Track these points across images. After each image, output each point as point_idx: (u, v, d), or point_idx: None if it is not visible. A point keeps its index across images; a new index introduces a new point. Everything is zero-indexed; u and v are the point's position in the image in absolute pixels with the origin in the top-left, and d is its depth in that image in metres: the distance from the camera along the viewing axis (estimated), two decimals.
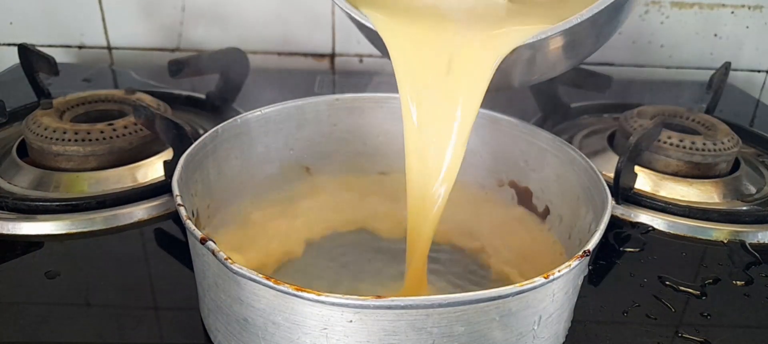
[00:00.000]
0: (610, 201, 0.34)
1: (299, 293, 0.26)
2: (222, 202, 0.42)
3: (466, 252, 0.44)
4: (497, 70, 0.35)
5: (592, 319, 0.37)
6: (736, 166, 0.55)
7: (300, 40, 0.81)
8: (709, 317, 0.38)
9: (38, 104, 0.56)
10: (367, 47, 0.81)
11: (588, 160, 0.39)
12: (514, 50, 0.35)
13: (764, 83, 0.85)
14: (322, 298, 0.26)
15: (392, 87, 0.78)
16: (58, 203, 0.44)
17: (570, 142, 0.44)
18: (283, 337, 0.29)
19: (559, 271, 0.28)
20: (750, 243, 0.45)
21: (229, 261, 0.27)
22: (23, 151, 0.51)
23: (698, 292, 0.40)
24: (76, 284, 0.38)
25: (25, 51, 0.61)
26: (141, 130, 0.50)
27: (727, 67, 0.65)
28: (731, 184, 0.53)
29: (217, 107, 0.62)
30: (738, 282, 0.42)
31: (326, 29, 0.80)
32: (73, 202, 0.44)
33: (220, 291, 0.30)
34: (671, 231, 0.47)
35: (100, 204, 0.44)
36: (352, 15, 0.38)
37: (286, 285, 0.26)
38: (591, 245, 0.30)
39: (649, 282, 0.41)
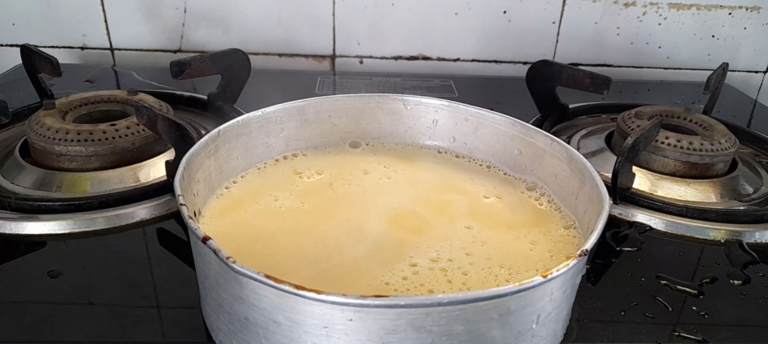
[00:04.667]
0: (608, 201, 0.35)
1: (300, 292, 0.26)
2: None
3: None
4: None
5: (591, 318, 0.38)
6: (733, 166, 0.56)
7: (301, 42, 0.81)
8: (706, 316, 0.38)
9: (41, 105, 0.56)
10: (367, 49, 0.82)
11: (586, 160, 0.39)
12: None
13: (761, 84, 0.86)
14: (322, 297, 0.26)
15: (392, 87, 0.79)
16: (60, 203, 0.44)
17: (568, 143, 0.44)
18: (284, 336, 0.29)
19: (557, 270, 0.29)
20: (747, 243, 0.46)
21: (231, 260, 0.28)
22: (26, 151, 0.52)
23: (696, 291, 0.41)
24: (79, 283, 0.39)
25: (28, 52, 0.61)
26: (143, 130, 0.51)
27: (724, 67, 0.65)
28: (728, 184, 0.53)
29: (219, 108, 0.62)
30: (735, 282, 0.42)
31: (327, 31, 0.80)
32: (76, 202, 0.44)
33: (221, 290, 0.31)
34: (669, 231, 0.47)
35: (102, 204, 0.45)
36: None
37: (287, 284, 0.27)
38: (589, 245, 0.31)
39: (647, 282, 0.41)
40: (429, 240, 0.39)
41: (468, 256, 0.37)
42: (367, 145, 0.51)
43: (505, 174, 0.47)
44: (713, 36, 0.82)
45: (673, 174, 0.53)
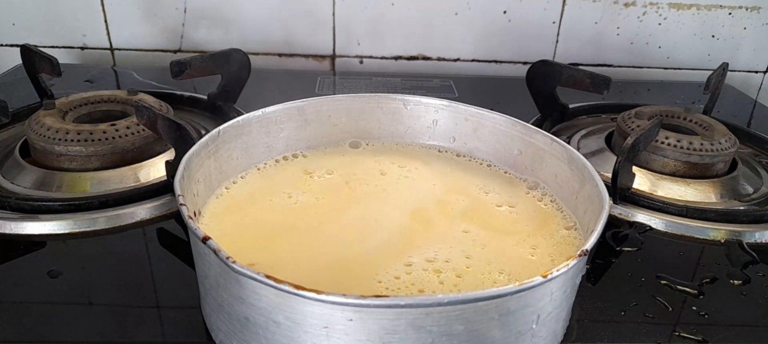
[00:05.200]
0: (608, 201, 0.35)
1: (300, 292, 0.27)
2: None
3: None
4: None
5: (591, 318, 0.38)
6: (733, 166, 0.56)
7: (301, 42, 0.81)
8: (706, 316, 0.38)
9: (41, 105, 0.56)
10: (367, 49, 0.82)
11: (586, 160, 0.39)
12: None
13: (761, 84, 0.86)
14: (322, 297, 0.26)
15: (392, 87, 0.80)
16: (60, 203, 0.44)
17: (568, 143, 0.44)
18: (283, 336, 0.29)
19: (557, 271, 0.29)
20: (747, 243, 0.46)
21: (231, 260, 0.28)
22: (26, 151, 0.52)
23: (696, 291, 0.41)
24: (79, 283, 0.39)
25: (28, 52, 0.61)
26: (143, 130, 0.51)
27: (724, 67, 0.65)
28: (728, 184, 0.53)
29: (219, 108, 0.62)
30: (735, 282, 0.42)
31: (327, 31, 0.80)
32: (76, 202, 0.44)
33: (221, 290, 0.31)
34: (669, 231, 0.47)
35: (102, 204, 0.45)
36: None
37: (286, 284, 0.27)
38: (589, 245, 0.31)
39: (647, 282, 0.41)
40: (428, 241, 0.38)
41: (468, 259, 0.37)
42: (367, 144, 0.51)
43: (505, 172, 0.47)
44: (713, 36, 0.82)
45: (673, 175, 0.53)
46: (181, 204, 0.33)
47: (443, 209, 0.43)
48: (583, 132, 0.63)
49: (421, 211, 0.42)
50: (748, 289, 0.41)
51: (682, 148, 0.53)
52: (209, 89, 0.63)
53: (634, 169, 0.49)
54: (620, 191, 0.48)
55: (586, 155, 0.41)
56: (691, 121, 0.59)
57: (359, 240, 0.39)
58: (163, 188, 0.47)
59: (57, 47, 0.79)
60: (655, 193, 0.52)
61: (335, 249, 0.38)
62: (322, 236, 0.39)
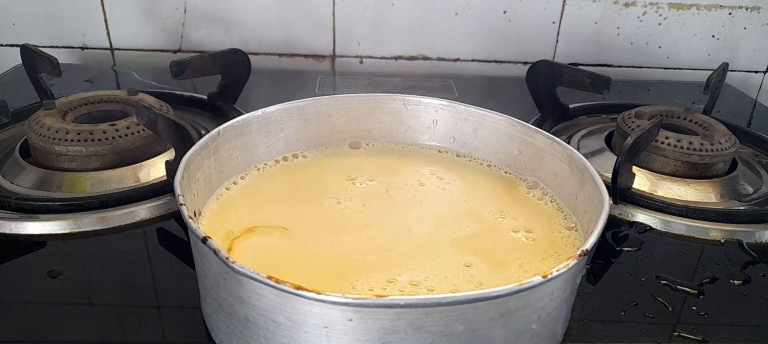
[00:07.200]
0: (608, 201, 0.35)
1: (300, 292, 0.27)
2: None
3: None
4: None
5: (591, 318, 0.38)
6: (733, 166, 0.56)
7: (301, 42, 0.81)
8: (706, 316, 0.38)
9: (41, 105, 0.56)
10: (367, 49, 0.82)
11: (586, 160, 0.39)
12: None
13: (761, 84, 0.86)
14: (322, 297, 0.26)
15: (392, 87, 0.80)
16: (60, 203, 0.44)
17: (568, 143, 0.44)
18: (284, 336, 0.29)
19: (557, 271, 0.29)
20: (747, 243, 0.46)
21: (231, 260, 0.28)
22: (26, 151, 0.52)
23: (696, 291, 0.41)
24: (79, 283, 0.39)
25: (28, 52, 0.61)
26: (143, 130, 0.51)
27: (724, 67, 0.65)
28: (728, 184, 0.53)
29: (219, 108, 0.62)
30: (735, 282, 0.42)
31: (327, 31, 0.80)
32: (76, 202, 0.44)
33: (221, 290, 0.31)
34: (669, 231, 0.47)
35: (102, 204, 0.45)
36: None
37: (287, 284, 0.27)
38: (589, 245, 0.31)
39: (647, 282, 0.41)
40: (424, 263, 0.37)
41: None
42: (367, 145, 0.51)
43: (505, 172, 0.47)
44: (713, 36, 0.82)
45: (673, 175, 0.53)
46: (181, 204, 0.33)
47: (453, 231, 0.40)
48: (583, 132, 0.63)
49: (428, 229, 0.41)
50: (748, 289, 0.41)
51: (682, 148, 0.53)
52: (209, 89, 0.63)
53: (634, 169, 0.49)
54: (620, 191, 0.48)
55: (586, 155, 0.41)
56: (691, 121, 0.59)
57: (353, 247, 0.38)
58: (163, 188, 0.47)
59: (57, 47, 0.79)
60: (655, 193, 0.52)
61: (328, 250, 0.38)
62: (321, 237, 0.39)
